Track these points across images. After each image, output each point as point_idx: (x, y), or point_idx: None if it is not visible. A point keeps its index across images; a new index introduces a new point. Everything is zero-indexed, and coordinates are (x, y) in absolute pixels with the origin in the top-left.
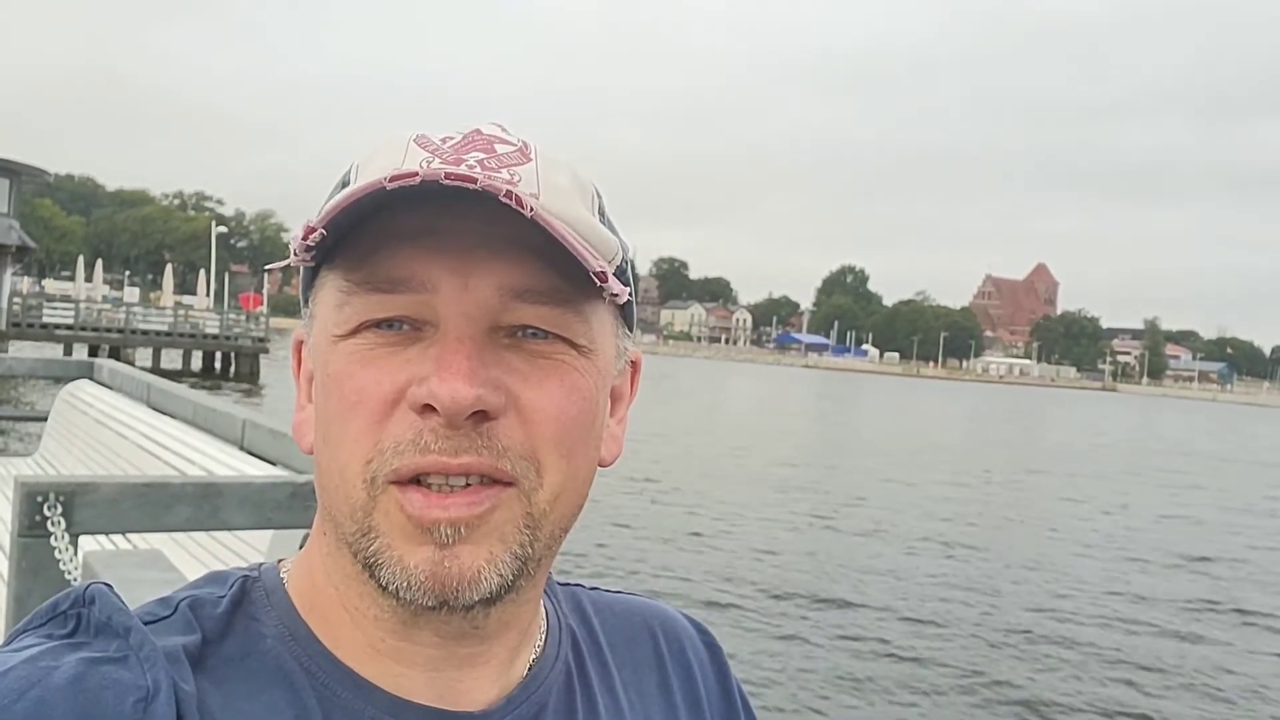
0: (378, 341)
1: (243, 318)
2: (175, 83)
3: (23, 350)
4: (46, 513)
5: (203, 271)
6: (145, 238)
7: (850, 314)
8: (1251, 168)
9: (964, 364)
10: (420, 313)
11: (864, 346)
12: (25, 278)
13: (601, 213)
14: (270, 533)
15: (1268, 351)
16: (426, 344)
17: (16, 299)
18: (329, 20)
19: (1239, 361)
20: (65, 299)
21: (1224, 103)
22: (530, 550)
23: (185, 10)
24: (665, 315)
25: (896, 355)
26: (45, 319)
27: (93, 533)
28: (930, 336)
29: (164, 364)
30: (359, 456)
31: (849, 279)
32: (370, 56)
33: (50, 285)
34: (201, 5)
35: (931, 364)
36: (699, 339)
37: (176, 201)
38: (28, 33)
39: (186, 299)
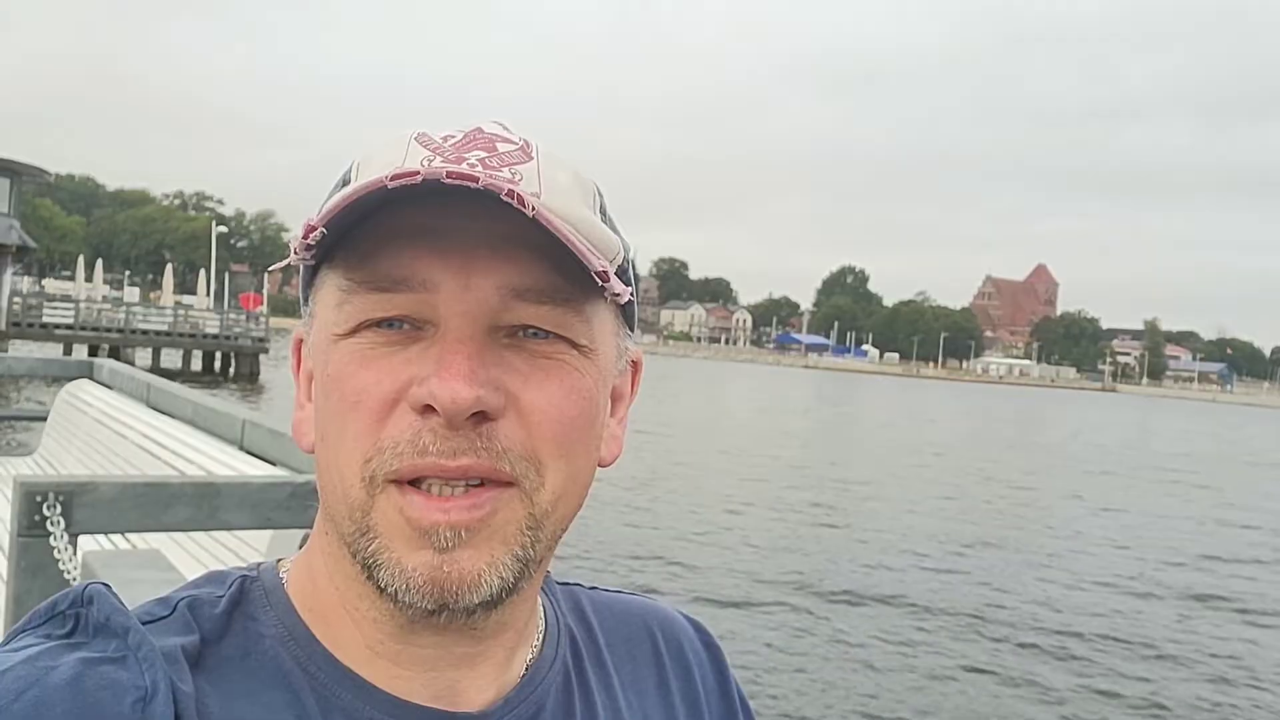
0: (378, 341)
1: (243, 317)
2: (176, 81)
3: (22, 350)
4: (46, 512)
5: (203, 271)
6: (145, 238)
7: (850, 314)
8: (1251, 169)
9: (964, 364)
10: (421, 312)
11: (864, 347)
12: (25, 277)
13: (603, 211)
14: (270, 533)
15: (1268, 352)
16: (427, 344)
17: (16, 299)
18: (330, 20)
19: (1239, 362)
20: (65, 299)
21: (1224, 105)
22: (532, 551)
23: (186, 8)
24: (665, 316)
25: (896, 356)
26: (45, 319)
27: (92, 532)
28: (930, 337)
29: (164, 364)
30: (358, 456)
31: (849, 279)
32: (373, 57)
33: (50, 285)
34: (201, 4)
35: (931, 364)
36: (699, 339)
37: (177, 202)
38: (29, 33)
39: (186, 299)
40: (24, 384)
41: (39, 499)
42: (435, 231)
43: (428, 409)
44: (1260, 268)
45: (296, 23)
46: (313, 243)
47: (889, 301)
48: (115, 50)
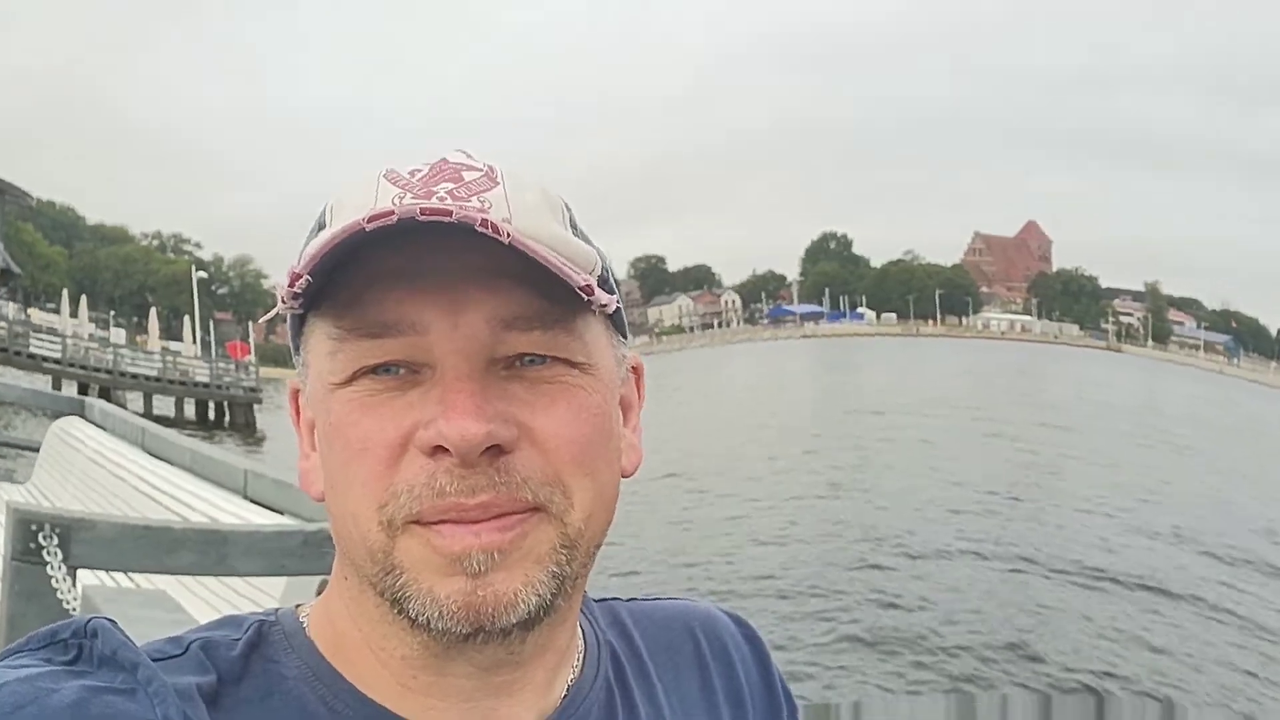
0: (376, 388)
1: (231, 366)
2: (155, 115)
3: (9, 378)
4: (42, 542)
5: (187, 318)
6: (128, 278)
7: (840, 279)
8: (1255, 147)
9: (963, 321)
10: (414, 355)
11: (859, 310)
12: (10, 303)
13: (573, 225)
14: (284, 579)
15: (1273, 331)
16: (426, 386)
17: (3, 324)
18: (309, 59)
19: (1244, 337)
20: (52, 331)
21: (1230, 81)
22: (568, 569)
23: (166, 41)
24: (653, 314)
25: (894, 316)
26: (33, 349)
27: (92, 568)
28: (925, 295)
29: (156, 410)
30: (370, 502)
31: (832, 245)
32: (352, 94)
33: (35, 315)
34: (184, 35)
35: (930, 322)
36: (690, 329)
37: (155, 242)
38: (5, 56)
39: (173, 345)
40: (13, 412)
41: (34, 527)
42: (417, 272)
43: (439, 450)
44: (1267, 248)
45: (274, 61)
46: (300, 290)
47: (876, 263)
48: (94, 80)
